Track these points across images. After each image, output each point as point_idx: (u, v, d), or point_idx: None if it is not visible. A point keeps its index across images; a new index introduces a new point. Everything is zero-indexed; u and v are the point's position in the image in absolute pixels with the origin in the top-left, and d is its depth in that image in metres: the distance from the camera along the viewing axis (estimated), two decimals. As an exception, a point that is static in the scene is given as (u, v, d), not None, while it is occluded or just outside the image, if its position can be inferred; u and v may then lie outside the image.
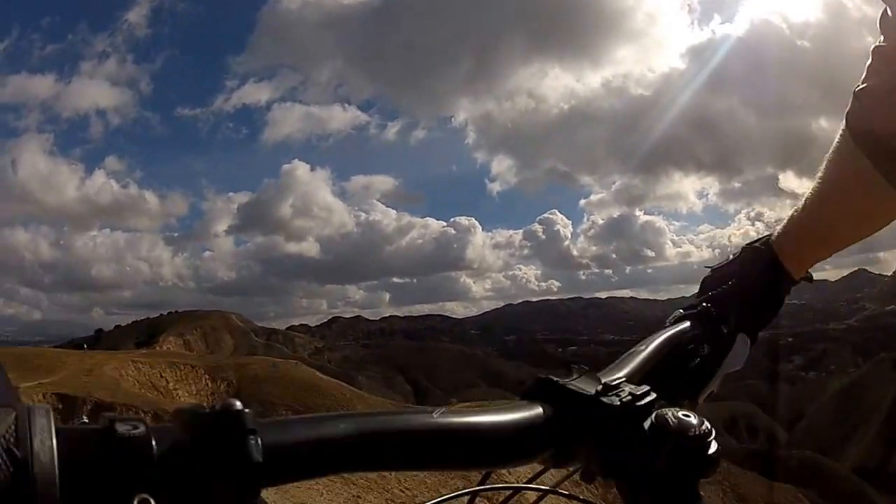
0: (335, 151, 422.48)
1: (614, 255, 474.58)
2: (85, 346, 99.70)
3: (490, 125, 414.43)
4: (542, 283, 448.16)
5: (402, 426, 0.63)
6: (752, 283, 1.30)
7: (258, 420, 0.56)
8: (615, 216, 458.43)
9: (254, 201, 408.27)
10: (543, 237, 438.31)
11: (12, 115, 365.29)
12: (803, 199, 1.27)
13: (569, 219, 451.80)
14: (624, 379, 0.81)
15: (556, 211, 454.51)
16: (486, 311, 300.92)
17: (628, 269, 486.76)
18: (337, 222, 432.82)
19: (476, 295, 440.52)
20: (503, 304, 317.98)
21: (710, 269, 1.38)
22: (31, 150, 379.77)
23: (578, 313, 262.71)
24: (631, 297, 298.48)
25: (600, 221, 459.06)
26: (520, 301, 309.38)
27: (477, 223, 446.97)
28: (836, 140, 1.18)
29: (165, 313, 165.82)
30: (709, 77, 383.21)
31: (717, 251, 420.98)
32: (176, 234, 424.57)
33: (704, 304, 1.23)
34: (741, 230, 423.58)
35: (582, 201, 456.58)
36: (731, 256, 1.36)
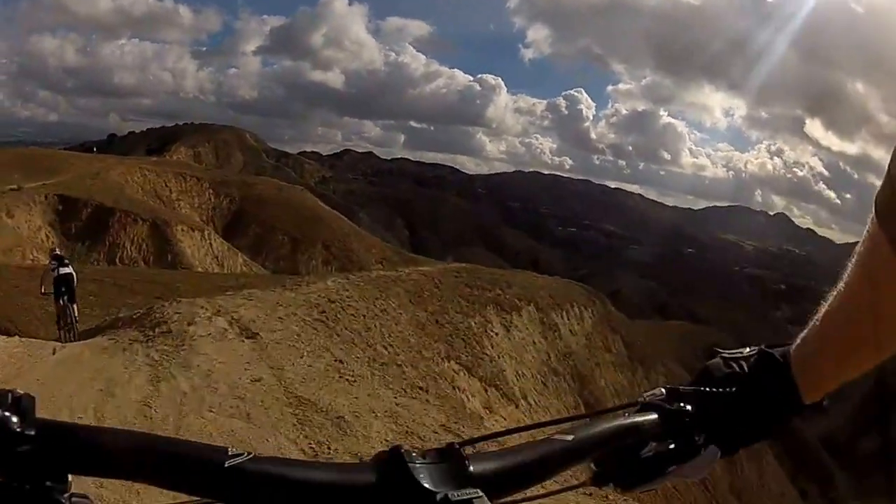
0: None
1: (630, 148, 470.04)
2: (95, 149, 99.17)
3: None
4: (556, 158, 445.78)
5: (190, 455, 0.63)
6: (754, 400, 1.08)
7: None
8: (639, 110, 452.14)
9: (287, 26, 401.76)
10: (566, 112, 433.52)
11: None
12: (827, 302, 1.04)
13: (593, 101, 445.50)
14: (485, 480, 0.71)
15: (583, 90, 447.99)
16: (497, 173, 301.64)
17: (641, 165, 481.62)
18: (366, 58, 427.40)
19: (489, 154, 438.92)
20: (514, 169, 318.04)
21: (719, 356, 1.14)
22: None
23: (585, 197, 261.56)
24: (639, 194, 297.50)
25: (624, 111, 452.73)
26: (531, 170, 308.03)
27: (503, 84, 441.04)
28: (866, 231, 0.96)
29: (180, 124, 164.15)
30: (759, 4, 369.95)
31: (731, 173, 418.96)
32: (204, 49, 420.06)
33: (683, 405, 1.05)
34: (759, 160, 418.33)
35: (609, 87, 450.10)
36: (747, 350, 1.13)
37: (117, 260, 46.56)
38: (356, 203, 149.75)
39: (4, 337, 12.32)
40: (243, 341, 11.17)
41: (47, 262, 17.68)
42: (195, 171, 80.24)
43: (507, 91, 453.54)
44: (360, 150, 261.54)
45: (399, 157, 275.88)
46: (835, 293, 1.02)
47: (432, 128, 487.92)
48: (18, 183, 48.62)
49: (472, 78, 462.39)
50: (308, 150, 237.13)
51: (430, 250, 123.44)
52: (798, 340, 1.08)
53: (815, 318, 1.05)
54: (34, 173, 53.44)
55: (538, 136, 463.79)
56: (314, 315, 15.02)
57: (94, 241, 47.99)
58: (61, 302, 15.58)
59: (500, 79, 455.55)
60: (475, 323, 24.53)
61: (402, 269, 26.98)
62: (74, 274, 16.27)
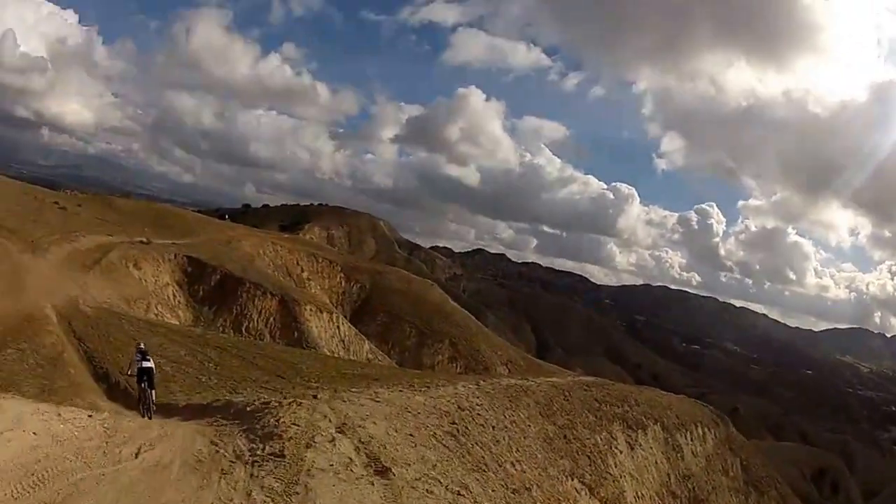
0: (512, 88, 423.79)
1: (758, 267, 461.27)
2: (227, 216, 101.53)
3: (668, 101, 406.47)
4: (684, 273, 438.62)
5: None
6: None
7: None
8: (769, 227, 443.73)
9: (424, 116, 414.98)
10: (696, 227, 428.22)
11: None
12: None
13: (724, 216, 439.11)
14: None
15: (714, 205, 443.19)
16: (625, 285, 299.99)
17: (767, 284, 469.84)
18: (501, 157, 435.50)
19: (618, 265, 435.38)
20: (642, 282, 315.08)
21: None
22: (207, 22, 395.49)
23: (710, 314, 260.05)
24: (763, 314, 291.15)
25: (753, 228, 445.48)
26: (658, 284, 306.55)
27: (636, 194, 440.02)
28: None
29: (315, 204, 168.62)
30: (887, 118, 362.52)
31: (852, 294, 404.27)
32: (341, 131, 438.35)
33: None
34: (880, 281, 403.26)
35: (740, 202, 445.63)
36: None
37: (243, 329, 46.37)
38: (484, 303, 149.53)
39: (89, 413, 11.59)
40: (372, 483, 9.46)
41: (134, 351, 19.79)
42: (328, 253, 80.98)
43: (640, 202, 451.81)
44: (492, 251, 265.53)
45: (530, 260, 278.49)
46: None
47: (564, 234, 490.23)
48: (147, 237, 49.41)
49: (605, 186, 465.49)
50: (440, 245, 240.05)
51: (554, 357, 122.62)
52: None
53: None
54: (162, 230, 54.80)
55: (668, 249, 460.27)
56: (444, 426, 14.49)
57: (220, 307, 48.40)
58: (142, 386, 18.25)
59: (633, 189, 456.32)
60: (601, 439, 24.59)
61: (532, 379, 26.51)
62: (154, 368, 18.80)
